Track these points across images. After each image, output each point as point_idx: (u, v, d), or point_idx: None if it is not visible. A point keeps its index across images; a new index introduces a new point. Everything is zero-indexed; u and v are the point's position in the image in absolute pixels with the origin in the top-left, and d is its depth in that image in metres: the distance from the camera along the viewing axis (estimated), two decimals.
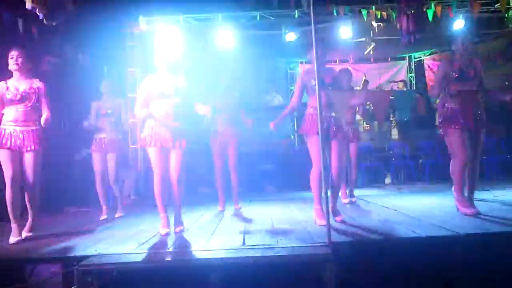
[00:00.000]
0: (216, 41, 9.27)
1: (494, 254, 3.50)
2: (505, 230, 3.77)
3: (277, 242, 3.63)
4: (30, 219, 4.40)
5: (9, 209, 4.22)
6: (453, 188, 4.72)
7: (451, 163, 4.82)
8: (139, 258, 3.39)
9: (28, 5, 4.88)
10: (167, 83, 4.32)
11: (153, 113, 4.26)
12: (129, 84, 9.27)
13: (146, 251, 3.57)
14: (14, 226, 4.23)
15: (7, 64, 4.38)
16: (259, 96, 10.74)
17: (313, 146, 4.42)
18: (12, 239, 4.17)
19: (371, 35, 10.30)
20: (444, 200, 5.54)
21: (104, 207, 5.72)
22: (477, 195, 5.00)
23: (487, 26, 9.34)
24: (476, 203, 4.69)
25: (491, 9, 8.95)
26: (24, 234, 4.31)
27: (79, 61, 7.88)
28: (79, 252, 3.58)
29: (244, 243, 3.65)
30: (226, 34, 9.13)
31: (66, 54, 7.49)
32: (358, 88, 10.58)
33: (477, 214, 4.39)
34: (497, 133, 8.53)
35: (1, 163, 4.25)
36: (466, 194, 4.66)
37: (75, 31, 7.00)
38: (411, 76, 12.86)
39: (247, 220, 4.96)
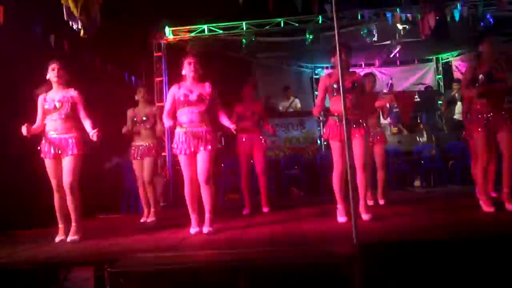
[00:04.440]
0: (241, 48, 9.37)
1: None
2: None
3: (304, 242, 3.66)
4: (73, 223, 4.54)
5: (57, 212, 4.54)
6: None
7: (472, 163, 5.15)
8: (169, 260, 3.46)
9: (67, 17, 5.08)
10: (193, 91, 4.44)
11: (179, 120, 4.39)
12: (157, 94, 9.45)
13: (176, 253, 3.65)
14: (60, 227, 4.57)
15: (44, 76, 4.58)
16: (280, 102, 10.81)
17: (336, 150, 4.57)
18: (57, 238, 4.52)
19: (397, 38, 10.23)
20: (476, 202, 5.44)
21: (145, 210, 5.99)
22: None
23: None
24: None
25: None
26: (70, 238, 4.48)
27: (108, 72, 8.11)
28: (111, 255, 3.67)
29: (272, 244, 3.69)
30: (251, 42, 9.21)
31: (96, 66, 7.72)
32: (384, 91, 10.50)
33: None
34: None
35: (47, 172, 4.49)
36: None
37: (104, 43, 7.21)
38: (439, 78, 12.67)
39: (275, 223, 4.99)
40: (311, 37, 9.14)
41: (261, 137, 5.92)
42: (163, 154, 8.85)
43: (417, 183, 8.59)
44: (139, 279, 3.37)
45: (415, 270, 3.47)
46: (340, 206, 4.69)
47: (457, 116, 9.78)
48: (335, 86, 4.47)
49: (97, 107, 4.96)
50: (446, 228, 3.94)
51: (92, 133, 4.41)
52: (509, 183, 4.55)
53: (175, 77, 4.77)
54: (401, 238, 3.70)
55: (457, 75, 11.79)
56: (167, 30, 9.36)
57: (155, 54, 9.52)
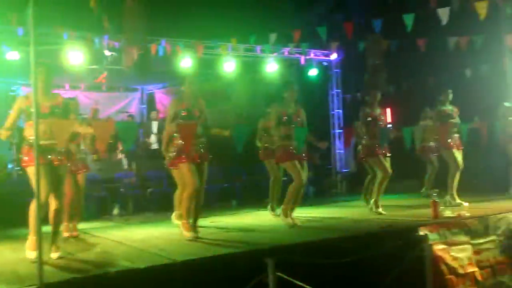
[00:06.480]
0: None
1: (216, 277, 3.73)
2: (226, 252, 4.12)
3: None
4: None
5: None
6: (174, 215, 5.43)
7: (177, 192, 5.59)
8: None
9: None
10: None
11: None
12: None
13: None
14: None
15: None
16: None
17: (35, 177, 4.08)
18: None
19: (104, 64, 10.15)
20: (168, 229, 5.75)
21: None
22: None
23: (210, 67, 10.28)
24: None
25: (213, 53, 9.94)
26: None
27: None
28: None
29: None
30: None
31: None
32: (87, 116, 10.22)
33: (197, 238, 4.82)
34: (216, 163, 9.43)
35: None
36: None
37: None
38: (143, 107, 13.14)
39: None
40: (8, 49, 8.21)
41: None
42: None
43: (115, 211, 8.55)
44: None
45: None
46: (33, 238, 4.15)
47: (154, 145, 10.34)
48: (31, 109, 4.02)
49: None
50: (139, 257, 4.01)
51: None
52: None
53: None
54: (89, 273, 3.57)
55: (159, 106, 12.52)
56: None
57: None
